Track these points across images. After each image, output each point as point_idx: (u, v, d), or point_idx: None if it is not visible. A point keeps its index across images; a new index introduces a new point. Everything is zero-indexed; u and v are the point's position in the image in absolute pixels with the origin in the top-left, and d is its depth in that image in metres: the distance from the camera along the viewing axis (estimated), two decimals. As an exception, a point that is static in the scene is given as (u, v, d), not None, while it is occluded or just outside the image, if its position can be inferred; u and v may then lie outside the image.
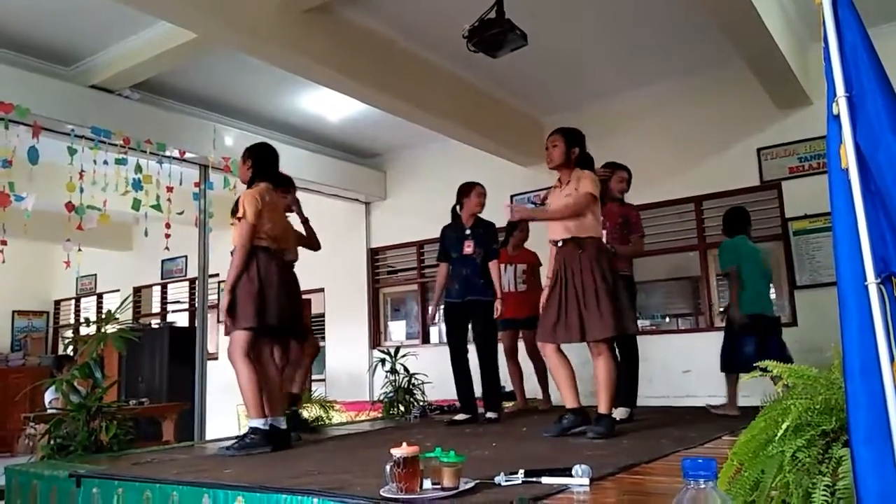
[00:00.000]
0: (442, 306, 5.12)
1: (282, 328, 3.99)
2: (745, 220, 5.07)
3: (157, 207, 6.15)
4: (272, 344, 4.07)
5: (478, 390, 5.05)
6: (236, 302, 3.79)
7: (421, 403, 5.85)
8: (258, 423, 3.73)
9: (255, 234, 3.86)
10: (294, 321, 4.20)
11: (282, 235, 4.09)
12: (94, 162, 5.63)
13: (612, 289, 3.75)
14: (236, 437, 3.97)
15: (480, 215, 5.05)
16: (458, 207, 5.10)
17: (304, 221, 4.83)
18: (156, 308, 10.90)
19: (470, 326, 5.01)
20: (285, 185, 4.63)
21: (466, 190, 5.07)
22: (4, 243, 5.31)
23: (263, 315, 3.79)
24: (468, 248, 4.91)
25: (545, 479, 2.40)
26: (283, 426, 3.94)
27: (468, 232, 4.97)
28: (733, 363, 4.85)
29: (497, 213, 5.43)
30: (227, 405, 7.36)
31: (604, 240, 4.63)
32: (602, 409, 3.73)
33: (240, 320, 3.79)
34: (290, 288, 4.09)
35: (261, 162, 4.12)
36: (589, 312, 3.70)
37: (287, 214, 4.56)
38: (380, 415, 5.93)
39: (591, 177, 3.89)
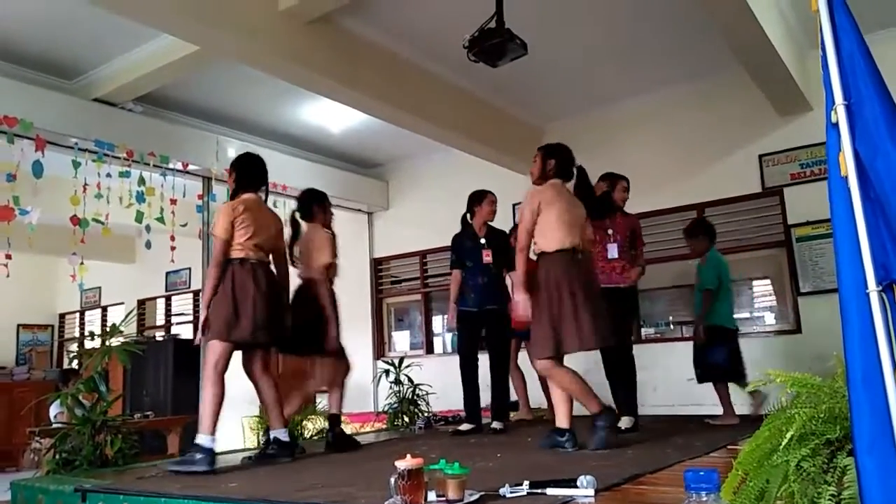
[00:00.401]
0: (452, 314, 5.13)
1: (258, 343, 3.86)
2: (713, 231, 5.25)
3: (161, 220, 6.17)
4: (266, 357, 4.01)
5: (484, 399, 5.04)
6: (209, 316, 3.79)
7: (425, 414, 5.84)
8: (204, 440, 3.60)
9: (227, 247, 3.82)
10: (284, 334, 4.03)
11: (272, 246, 4.02)
12: (98, 175, 5.65)
13: (554, 306, 3.65)
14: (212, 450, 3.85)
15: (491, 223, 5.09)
16: (468, 216, 5.10)
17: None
18: (160, 321, 10.91)
19: (483, 336, 5.02)
20: (321, 202, 4.63)
21: (479, 198, 5.08)
22: (9, 257, 5.33)
23: (233, 329, 3.71)
24: (487, 257, 4.93)
25: (550, 491, 2.39)
26: (285, 438, 3.91)
27: (484, 241, 4.98)
28: (712, 373, 5.00)
29: (501, 221, 5.44)
30: (232, 418, 7.35)
31: (614, 254, 4.65)
32: (557, 423, 3.70)
33: (210, 333, 3.76)
34: (276, 300, 3.93)
35: (243, 173, 4.06)
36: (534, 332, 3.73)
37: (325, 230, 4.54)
38: (384, 426, 5.92)
39: (529, 194, 3.85)
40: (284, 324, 4.01)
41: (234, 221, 3.83)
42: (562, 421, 3.69)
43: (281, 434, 3.91)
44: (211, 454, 3.57)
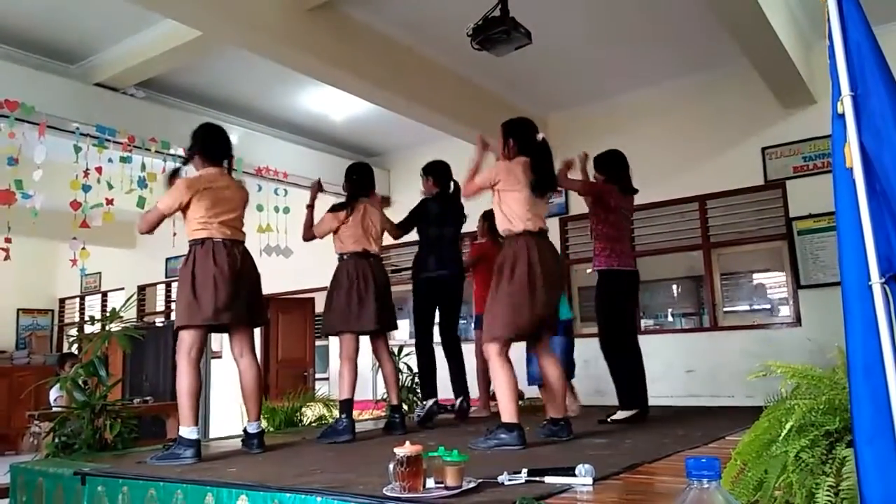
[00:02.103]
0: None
1: (222, 324, 3.68)
2: None
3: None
4: (246, 339, 3.84)
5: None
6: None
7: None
8: (186, 431, 3.49)
9: (159, 220, 3.71)
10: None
11: (234, 223, 3.82)
12: (99, 160, 5.63)
13: (502, 287, 3.56)
14: (168, 442, 3.85)
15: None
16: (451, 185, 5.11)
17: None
18: (160, 306, 10.92)
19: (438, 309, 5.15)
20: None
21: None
22: (9, 241, 5.33)
23: (195, 313, 3.58)
24: None
25: (548, 479, 2.40)
26: (253, 430, 3.75)
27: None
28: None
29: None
30: (231, 403, 7.37)
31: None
32: (502, 418, 3.47)
33: (176, 320, 3.67)
34: (242, 278, 3.72)
35: (202, 145, 3.83)
36: None
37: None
38: (383, 413, 5.93)
39: (498, 165, 3.76)
40: (255, 302, 3.82)
41: (191, 198, 3.65)
42: (508, 416, 3.45)
43: (251, 427, 3.77)
44: (196, 445, 3.46)
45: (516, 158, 3.76)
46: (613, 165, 4.78)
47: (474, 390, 5.62)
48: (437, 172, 5.13)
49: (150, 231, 3.77)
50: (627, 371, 4.61)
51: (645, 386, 4.71)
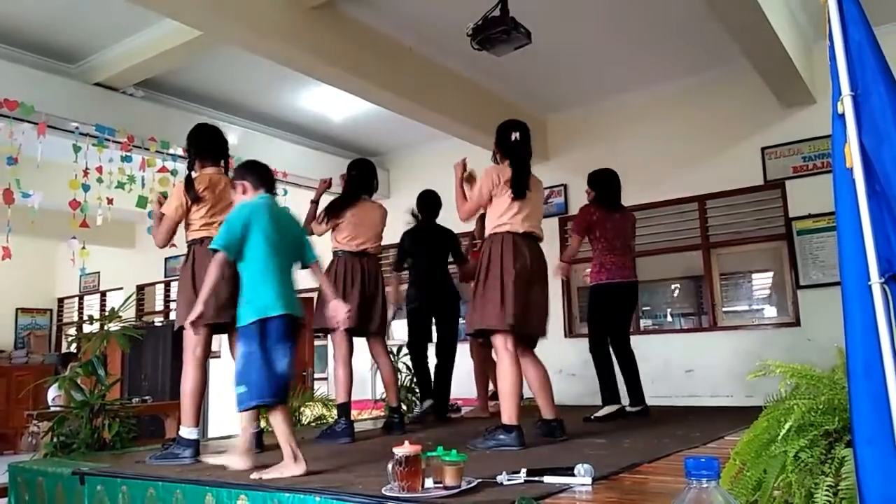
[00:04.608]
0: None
1: (223, 322, 3.60)
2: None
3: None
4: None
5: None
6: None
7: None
8: (186, 432, 3.50)
9: (172, 227, 3.72)
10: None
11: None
12: (99, 159, 5.64)
13: (478, 286, 3.60)
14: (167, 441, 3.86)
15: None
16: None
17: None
18: (159, 306, 10.92)
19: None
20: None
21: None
22: (8, 248, 5.31)
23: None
24: None
25: (547, 479, 2.40)
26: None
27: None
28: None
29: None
30: (230, 403, 7.36)
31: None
32: (502, 419, 3.47)
33: (178, 318, 3.65)
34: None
35: (200, 146, 3.86)
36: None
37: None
38: (382, 413, 5.93)
39: (492, 170, 3.77)
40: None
41: (188, 201, 3.67)
42: (508, 417, 3.45)
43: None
44: (195, 445, 3.47)
45: (503, 163, 3.79)
46: (603, 184, 5.00)
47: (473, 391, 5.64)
48: (425, 203, 5.34)
49: (168, 240, 3.78)
50: (608, 372, 4.83)
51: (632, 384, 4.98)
